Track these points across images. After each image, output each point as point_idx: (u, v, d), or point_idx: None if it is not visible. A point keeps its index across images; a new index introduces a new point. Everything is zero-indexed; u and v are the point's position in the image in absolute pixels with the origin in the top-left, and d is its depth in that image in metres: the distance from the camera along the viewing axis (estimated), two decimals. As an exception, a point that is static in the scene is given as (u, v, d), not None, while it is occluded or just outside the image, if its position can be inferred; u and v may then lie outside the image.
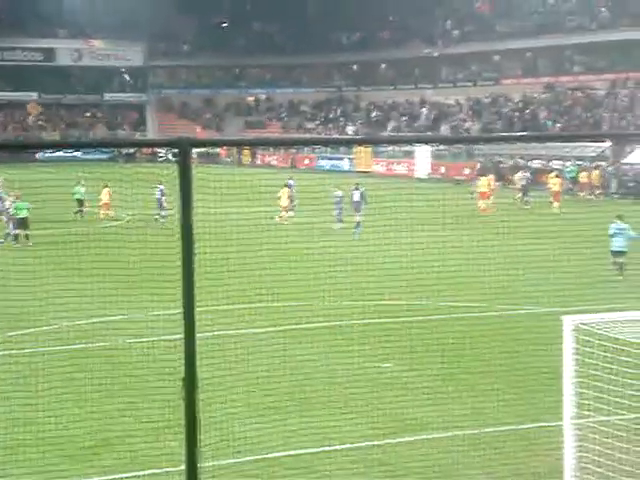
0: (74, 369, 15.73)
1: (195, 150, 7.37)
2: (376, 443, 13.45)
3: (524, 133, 69.28)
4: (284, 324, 19.99)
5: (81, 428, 13.62)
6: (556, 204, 45.44)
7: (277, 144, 47.76)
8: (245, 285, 20.71)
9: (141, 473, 12.19)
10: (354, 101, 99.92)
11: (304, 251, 22.87)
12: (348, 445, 13.32)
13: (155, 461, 12.34)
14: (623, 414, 10.92)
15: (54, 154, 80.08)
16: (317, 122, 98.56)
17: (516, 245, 21.30)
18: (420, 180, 63.50)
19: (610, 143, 60.17)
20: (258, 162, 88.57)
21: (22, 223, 34.75)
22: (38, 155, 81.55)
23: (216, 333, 17.51)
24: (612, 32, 76.64)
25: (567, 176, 56.49)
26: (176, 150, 7.19)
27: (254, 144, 45.33)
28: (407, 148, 73.40)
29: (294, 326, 20.02)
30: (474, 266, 22.39)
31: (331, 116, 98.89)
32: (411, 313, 21.24)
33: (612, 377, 10.52)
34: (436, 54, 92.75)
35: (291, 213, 39.98)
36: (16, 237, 34.58)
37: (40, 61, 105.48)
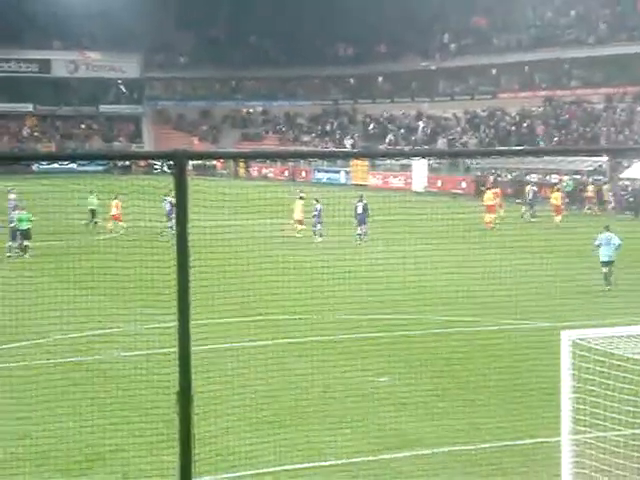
0: (68, 382, 15.62)
1: (191, 162, 7.31)
2: (372, 458, 13.35)
3: (521, 147, 69.37)
4: (280, 337, 19.91)
5: (75, 442, 13.51)
6: (558, 217, 45.53)
7: (274, 157, 47.50)
8: (241, 298, 20.60)
9: (135, 488, 12.09)
10: (351, 114, 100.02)
11: (302, 264, 22.82)
12: (344, 460, 13.22)
13: (149, 475, 12.25)
14: (620, 430, 10.85)
15: (50, 166, 79.90)
16: (314, 135, 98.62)
17: (516, 259, 21.26)
18: (417, 193, 63.48)
19: (607, 158, 60.18)
20: (254, 174, 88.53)
21: (24, 235, 34.72)
22: (34, 167, 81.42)
23: (212, 346, 17.42)
24: (610, 46, 76.80)
25: (564, 190, 56.54)
26: (172, 162, 7.13)
27: (250, 157, 45.13)
28: (404, 161, 73.49)
29: (290, 340, 19.93)
30: (472, 280, 22.33)
31: (328, 129, 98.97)
32: (408, 327, 21.17)
33: (609, 393, 10.45)
34: (433, 67, 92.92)
35: (303, 226, 40.22)
36: (23, 248, 34.54)
37: (36, 72, 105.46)
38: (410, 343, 19.64)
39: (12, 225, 35.06)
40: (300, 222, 40.51)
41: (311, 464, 13.00)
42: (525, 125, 79.29)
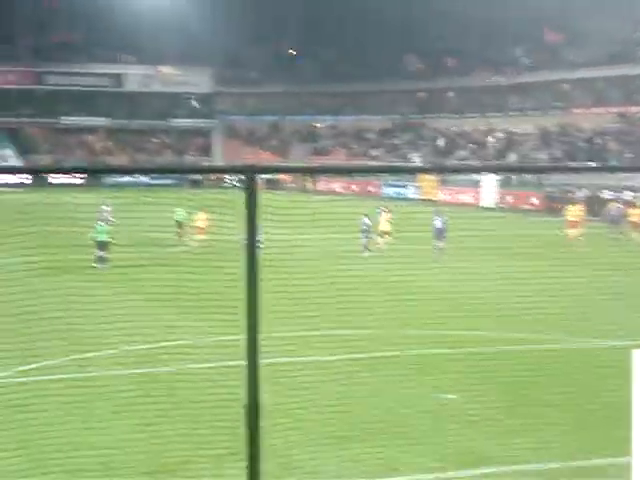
0: (136, 394, 15.70)
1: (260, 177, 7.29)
2: (440, 475, 13.18)
3: (594, 163, 68.58)
4: (349, 352, 19.82)
5: (142, 453, 13.54)
6: (635, 234, 44.92)
7: (343, 172, 47.89)
8: (310, 312, 20.57)
9: (201, 500, 12.08)
10: (420, 129, 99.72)
11: (373, 279, 22.74)
12: (411, 477, 13.07)
13: (215, 489, 12.22)
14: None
15: (121, 179, 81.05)
16: (382, 149, 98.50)
17: (593, 276, 20.91)
18: (487, 209, 63.05)
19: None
20: (322, 188, 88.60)
21: (101, 246, 35.25)
22: (105, 180, 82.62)
23: (280, 360, 17.40)
24: (684, 61, 75.69)
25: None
26: (242, 177, 7.12)
27: (320, 172, 45.36)
28: (473, 177, 73.03)
29: (359, 355, 19.83)
30: (546, 297, 22.00)
31: (396, 143, 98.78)
32: (478, 344, 20.95)
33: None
34: (505, 82, 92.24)
35: (389, 238, 40.60)
36: (100, 259, 35.10)
37: (109, 87, 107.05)
38: (480, 360, 19.42)
39: (92, 236, 35.67)
40: (386, 234, 40.95)
41: (379, 480, 12.88)
42: (597, 141, 78.32)
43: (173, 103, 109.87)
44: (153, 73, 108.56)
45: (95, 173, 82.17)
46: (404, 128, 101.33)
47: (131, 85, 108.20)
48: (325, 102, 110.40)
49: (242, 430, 7.13)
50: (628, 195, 61.27)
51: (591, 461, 13.69)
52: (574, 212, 46.81)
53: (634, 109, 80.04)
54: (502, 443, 14.36)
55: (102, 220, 37.28)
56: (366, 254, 37.09)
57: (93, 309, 17.97)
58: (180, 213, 43.28)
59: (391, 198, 76.50)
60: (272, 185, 72.44)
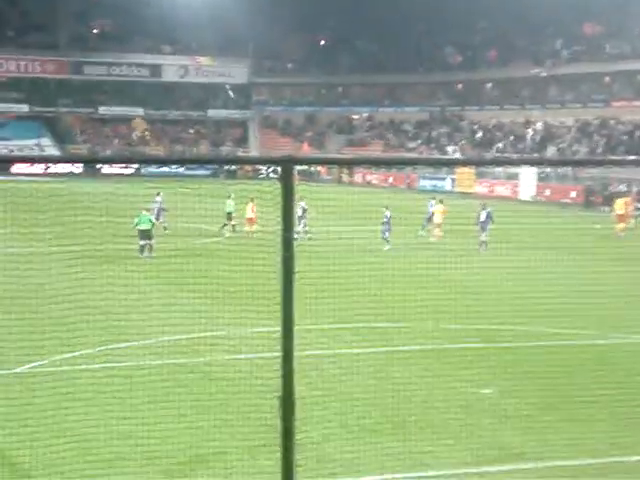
0: (172, 384, 15.81)
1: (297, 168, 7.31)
2: (474, 470, 13.16)
3: (636, 157, 67.98)
4: (383, 345, 19.81)
5: (178, 443, 13.63)
6: None
7: (381, 163, 47.81)
8: (344, 305, 20.59)
9: (235, 491, 12.14)
10: (458, 121, 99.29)
11: (405, 272, 22.68)
12: (444, 471, 13.06)
13: (250, 479, 12.28)
14: None
15: (158, 169, 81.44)
16: (419, 141, 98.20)
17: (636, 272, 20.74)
18: (525, 202, 62.73)
19: None
20: (358, 180, 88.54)
21: (143, 235, 35.57)
22: (142, 170, 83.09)
23: (314, 352, 17.44)
24: None
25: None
26: (278, 168, 7.15)
27: (357, 163, 45.36)
28: (511, 170, 72.62)
29: (393, 348, 19.82)
30: (586, 292, 21.86)
31: (434, 135, 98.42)
32: (514, 339, 20.88)
33: None
34: (544, 74, 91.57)
35: (441, 233, 41.49)
36: (143, 249, 35.40)
37: (147, 77, 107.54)
38: (515, 355, 19.36)
39: (134, 224, 35.93)
40: (439, 226, 41.94)
41: (412, 474, 12.87)
42: (638, 134, 77.61)
43: (210, 94, 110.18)
44: (191, 64, 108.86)
45: (132, 163, 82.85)
46: (442, 120, 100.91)
47: (169, 75, 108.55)
48: (362, 93, 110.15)
49: (276, 422, 7.16)
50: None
51: (626, 458, 13.62)
52: (620, 205, 46.51)
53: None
54: (536, 439, 14.32)
55: (151, 210, 37.40)
56: (387, 247, 36.99)
57: (131, 299, 18.09)
58: (231, 204, 43.44)
59: (428, 191, 76.31)
60: (307, 177, 72.49)
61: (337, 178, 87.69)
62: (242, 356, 18.41)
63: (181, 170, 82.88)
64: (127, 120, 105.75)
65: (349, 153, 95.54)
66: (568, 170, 70.14)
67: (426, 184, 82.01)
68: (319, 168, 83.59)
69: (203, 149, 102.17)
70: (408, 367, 18.07)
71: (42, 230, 16.33)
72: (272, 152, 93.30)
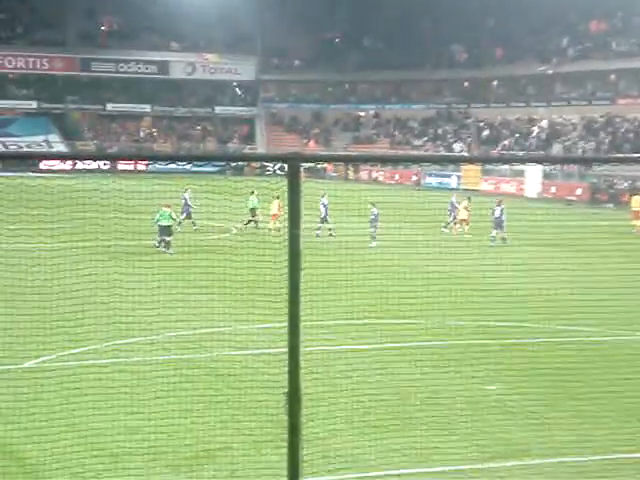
0: (179, 379, 15.88)
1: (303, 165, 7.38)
2: (479, 466, 13.21)
3: None
4: (388, 342, 19.87)
5: (184, 438, 13.71)
6: None
7: (387, 161, 47.99)
8: (350, 301, 20.64)
9: (242, 486, 12.21)
10: (463, 118, 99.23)
11: (413, 268, 22.71)
12: (450, 467, 13.11)
13: (256, 475, 12.35)
14: None
15: (165, 166, 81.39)
16: (425, 139, 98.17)
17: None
18: (530, 200, 62.74)
19: None
20: (364, 177, 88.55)
21: (164, 231, 35.78)
22: (149, 167, 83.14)
23: (320, 348, 17.50)
24: None
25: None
26: (285, 165, 7.22)
27: (364, 160, 45.44)
28: (517, 167, 72.60)
29: (399, 344, 19.88)
30: (593, 289, 21.87)
31: (440, 133, 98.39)
32: (520, 335, 20.92)
33: None
34: (550, 72, 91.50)
35: (467, 227, 42.55)
36: (159, 243, 35.64)
37: (154, 74, 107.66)
38: (521, 352, 19.40)
39: (155, 220, 36.13)
40: (466, 222, 42.69)
41: (417, 470, 12.93)
42: (644, 132, 77.57)
43: (217, 91, 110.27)
44: (198, 61, 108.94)
45: (140, 160, 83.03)
46: (448, 117, 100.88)
47: (176, 72, 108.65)
48: (368, 91, 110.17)
49: (282, 417, 7.23)
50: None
51: (632, 455, 13.66)
52: (637, 202, 46.53)
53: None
54: (542, 435, 14.36)
55: (180, 206, 37.53)
56: (374, 244, 37.03)
57: (139, 295, 18.15)
58: (254, 201, 43.51)
59: (434, 188, 76.36)
60: (313, 173, 72.50)
61: (343, 175, 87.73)
62: (249, 352, 18.49)
63: (188, 167, 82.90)
64: (135, 117, 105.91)
65: (355, 150, 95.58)
66: (574, 167, 70.13)
67: (432, 181, 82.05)
68: (325, 165, 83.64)
69: (210, 146, 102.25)
70: (414, 363, 18.12)
71: (51, 226, 16.39)
72: (279, 149, 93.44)
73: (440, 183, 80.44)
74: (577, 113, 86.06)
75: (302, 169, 7.38)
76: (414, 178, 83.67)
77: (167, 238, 35.82)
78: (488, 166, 74.96)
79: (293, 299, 7.41)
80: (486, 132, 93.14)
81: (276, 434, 10.56)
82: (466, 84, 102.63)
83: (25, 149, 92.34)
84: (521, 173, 73.87)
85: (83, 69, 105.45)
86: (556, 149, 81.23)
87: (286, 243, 7.27)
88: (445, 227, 42.73)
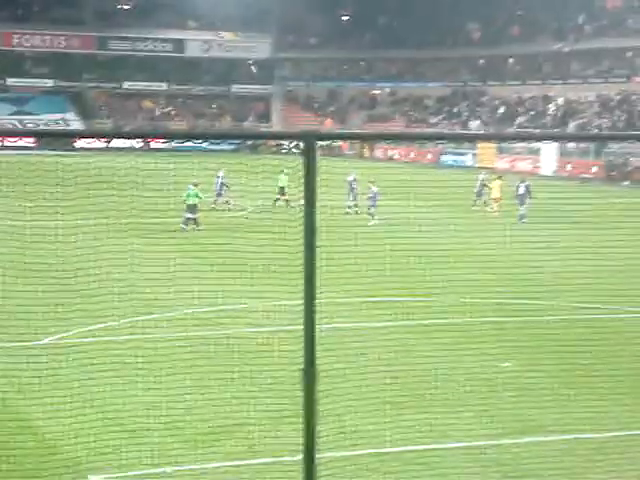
0: (196, 356, 16.01)
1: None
2: (493, 443, 13.29)
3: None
4: (404, 319, 19.95)
5: (201, 414, 13.84)
6: None
7: (404, 138, 48.00)
8: (366, 279, 20.73)
9: (259, 461, 12.32)
10: (479, 96, 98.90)
11: (429, 246, 22.72)
12: (464, 443, 13.20)
13: (272, 450, 12.46)
14: None
15: (182, 144, 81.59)
16: (441, 117, 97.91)
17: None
18: (546, 177, 62.58)
19: None
20: (379, 155, 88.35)
21: (190, 209, 36.05)
22: (166, 145, 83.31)
23: (335, 325, 17.59)
24: None
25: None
26: (301, 143, 7.27)
27: (379, 138, 45.57)
28: (532, 145, 72.39)
29: (414, 322, 19.96)
30: (607, 267, 21.87)
31: (455, 111, 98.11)
32: (535, 313, 20.96)
33: None
34: (566, 49, 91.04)
35: (497, 205, 42.61)
36: (186, 222, 35.89)
37: (170, 52, 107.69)
38: (537, 329, 19.45)
39: (183, 199, 36.35)
40: (497, 200, 42.82)
41: (432, 446, 13.03)
42: (661, 109, 77.18)
43: (233, 69, 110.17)
44: (214, 39, 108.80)
45: (158, 138, 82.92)
46: (463, 95, 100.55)
47: (192, 51, 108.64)
48: (384, 69, 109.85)
49: (298, 394, 7.31)
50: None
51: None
52: None
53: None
54: (556, 412, 14.42)
55: (214, 185, 37.67)
56: (372, 223, 37.05)
57: (157, 272, 18.28)
58: (284, 179, 43.51)
59: (449, 166, 76.25)
60: (328, 151, 72.38)
61: (359, 153, 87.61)
62: (265, 329, 18.61)
63: (204, 145, 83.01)
64: (151, 95, 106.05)
65: (371, 128, 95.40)
66: (589, 145, 69.88)
67: (447, 159, 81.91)
68: (340, 143, 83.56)
69: (226, 124, 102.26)
70: (429, 341, 18.20)
71: (69, 204, 16.52)
72: (294, 127, 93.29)
73: (455, 161, 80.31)
74: (593, 91, 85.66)
75: (318, 147, 7.43)
76: (429, 156, 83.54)
77: (193, 216, 36.06)
78: (503, 144, 74.81)
79: (309, 276, 7.47)
80: (502, 110, 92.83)
81: (292, 410, 10.66)
82: (482, 62, 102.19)
83: (42, 127, 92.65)
84: (537, 151, 73.65)
85: (100, 48, 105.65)
86: (572, 127, 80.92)
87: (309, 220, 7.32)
88: (475, 205, 43.15)
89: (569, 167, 70.63)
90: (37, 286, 15.95)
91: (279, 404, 13.67)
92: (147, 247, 20.49)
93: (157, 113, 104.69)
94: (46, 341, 17.34)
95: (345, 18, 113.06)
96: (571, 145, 71.44)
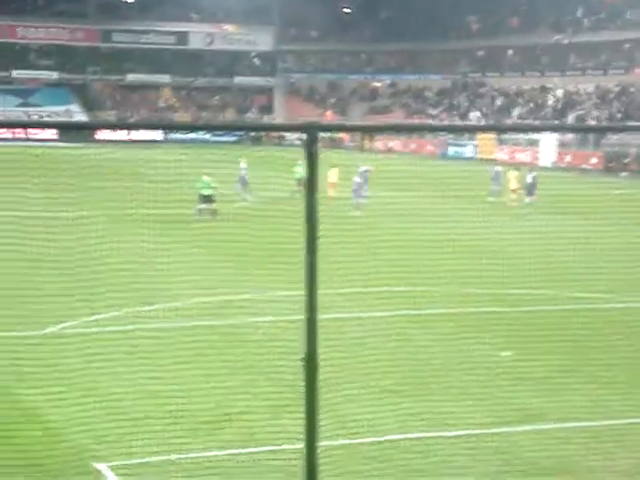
0: (199, 345, 16.12)
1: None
2: (493, 431, 13.40)
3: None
4: (404, 309, 20.05)
5: (203, 403, 13.95)
6: None
7: (405, 130, 48.07)
8: (367, 269, 20.82)
9: (260, 449, 12.43)
10: (479, 87, 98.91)
11: (428, 237, 22.81)
12: (464, 431, 13.30)
13: (273, 438, 12.56)
14: None
15: (185, 136, 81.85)
16: (441, 108, 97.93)
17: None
18: (545, 169, 62.58)
19: None
20: (380, 147, 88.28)
21: (204, 199, 36.07)
22: (169, 137, 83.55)
23: (336, 315, 17.70)
24: None
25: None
26: (304, 134, 7.38)
27: (381, 130, 45.62)
28: (532, 136, 72.46)
29: (414, 311, 20.06)
30: (605, 257, 22.00)
31: (455, 102, 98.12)
32: (535, 303, 21.06)
33: None
34: (565, 42, 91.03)
35: (515, 196, 42.94)
36: (199, 212, 35.87)
37: (173, 44, 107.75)
38: (536, 319, 19.56)
39: (196, 189, 36.35)
40: (515, 191, 43.15)
41: (432, 434, 13.13)
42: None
43: (236, 61, 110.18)
44: (217, 31, 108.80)
45: (163, 129, 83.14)
46: (463, 87, 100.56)
47: (195, 43, 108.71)
48: (384, 61, 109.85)
49: (300, 383, 7.43)
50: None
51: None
52: None
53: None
54: (555, 401, 14.51)
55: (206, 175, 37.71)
56: (356, 213, 36.93)
57: (160, 262, 18.39)
58: (300, 171, 43.42)
59: (449, 157, 76.28)
60: (329, 143, 72.42)
61: (360, 145, 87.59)
62: (267, 319, 18.72)
63: (207, 137, 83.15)
64: (155, 87, 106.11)
65: (371, 120, 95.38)
66: (588, 136, 69.93)
67: (451, 150, 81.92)
68: (342, 135, 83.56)
69: (229, 116, 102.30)
70: (429, 330, 18.32)
71: (73, 195, 16.64)
72: (296, 119, 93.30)
73: (456, 152, 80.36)
74: (592, 83, 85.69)
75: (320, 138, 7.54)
76: (429, 148, 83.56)
77: (208, 206, 35.92)
78: (503, 135, 74.90)
79: (310, 267, 7.56)
80: (501, 101, 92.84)
81: (293, 399, 10.77)
82: (481, 54, 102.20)
83: (46, 119, 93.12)
84: (536, 142, 73.70)
85: (104, 40, 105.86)
86: (571, 118, 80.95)
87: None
88: (491, 196, 43.38)
89: (568, 158, 70.69)
90: (42, 276, 16.06)
91: (281, 393, 13.79)
92: (155, 238, 20.55)
93: (160, 105, 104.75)
94: (50, 331, 17.44)
95: (346, 11, 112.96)
96: (570, 136, 71.49)
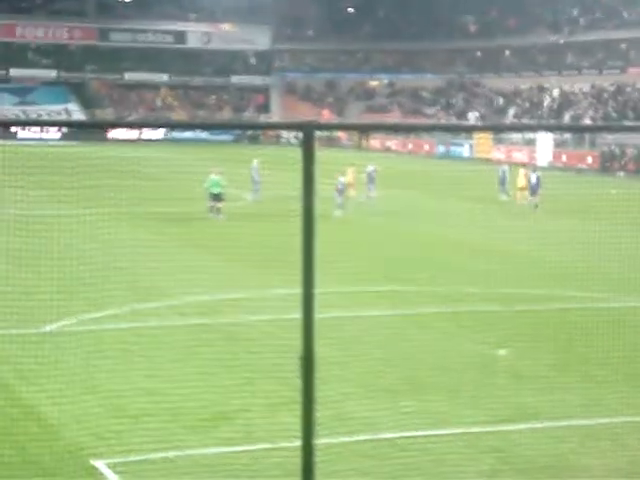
0: (196, 343, 16.17)
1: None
2: (489, 429, 13.45)
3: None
4: (401, 307, 20.10)
5: (201, 400, 14.00)
6: None
7: (402, 129, 48.07)
8: (364, 268, 20.88)
9: (258, 447, 12.48)
10: (475, 87, 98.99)
11: (426, 235, 22.90)
12: (461, 430, 13.35)
13: (270, 436, 12.61)
14: None
15: (182, 135, 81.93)
16: (437, 108, 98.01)
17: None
18: (542, 168, 62.62)
19: None
20: (376, 146, 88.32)
21: (214, 198, 35.94)
22: (166, 135, 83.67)
23: (333, 314, 17.75)
24: None
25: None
26: (300, 133, 7.41)
27: (377, 129, 45.57)
28: (528, 135, 72.52)
29: (411, 310, 20.12)
30: (601, 256, 22.04)
31: (452, 102, 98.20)
32: (531, 302, 21.11)
33: None
34: (561, 41, 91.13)
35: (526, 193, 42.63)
36: (211, 210, 35.83)
37: (171, 43, 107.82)
38: (532, 318, 19.61)
39: (205, 187, 36.25)
40: (523, 189, 42.88)
41: (428, 432, 13.18)
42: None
43: (233, 60, 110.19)
44: (214, 30, 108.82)
45: (167, 127, 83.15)
46: (460, 87, 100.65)
47: (193, 42, 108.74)
48: (381, 60, 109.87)
49: (297, 381, 7.48)
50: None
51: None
52: None
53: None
54: (551, 399, 14.56)
55: (214, 173, 37.67)
56: (339, 213, 36.73)
57: (158, 260, 18.43)
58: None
59: (445, 157, 76.34)
60: (326, 142, 72.46)
61: (357, 144, 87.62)
62: (265, 317, 18.77)
63: (204, 135, 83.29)
64: (152, 86, 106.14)
65: (368, 119, 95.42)
66: (584, 136, 70.02)
67: (444, 150, 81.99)
68: (339, 134, 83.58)
69: (226, 115, 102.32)
70: (426, 329, 18.37)
71: (71, 193, 16.67)
72: (293, 118, 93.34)
73: (453, 151, 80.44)
74: (588, 82, 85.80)
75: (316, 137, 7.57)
76: (426, 147, 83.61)
77: (217, 205, 35.80)
78: (500, 135, 74.98)
79: (307, 265, 7.60)
80: (497, 101, 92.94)
81: (291, 397, 10.82)
82: (478, 54, 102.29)
83: (45, 117, 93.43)
84: (532, 142, 73.77)
85: (102, 39, 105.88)
86: (567, 118, 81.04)
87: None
88: (501, 194, 43.77)
89: (564, 158, 70.76)
90: (41, 274, 16.08)
91: (278, 391, 13.84)
92: (155, 236, 20.61)
93: (158, 104, 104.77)
94: (49, 328, 17.48)
95: (343, 10, 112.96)
96: (566, 136, 71.56)
